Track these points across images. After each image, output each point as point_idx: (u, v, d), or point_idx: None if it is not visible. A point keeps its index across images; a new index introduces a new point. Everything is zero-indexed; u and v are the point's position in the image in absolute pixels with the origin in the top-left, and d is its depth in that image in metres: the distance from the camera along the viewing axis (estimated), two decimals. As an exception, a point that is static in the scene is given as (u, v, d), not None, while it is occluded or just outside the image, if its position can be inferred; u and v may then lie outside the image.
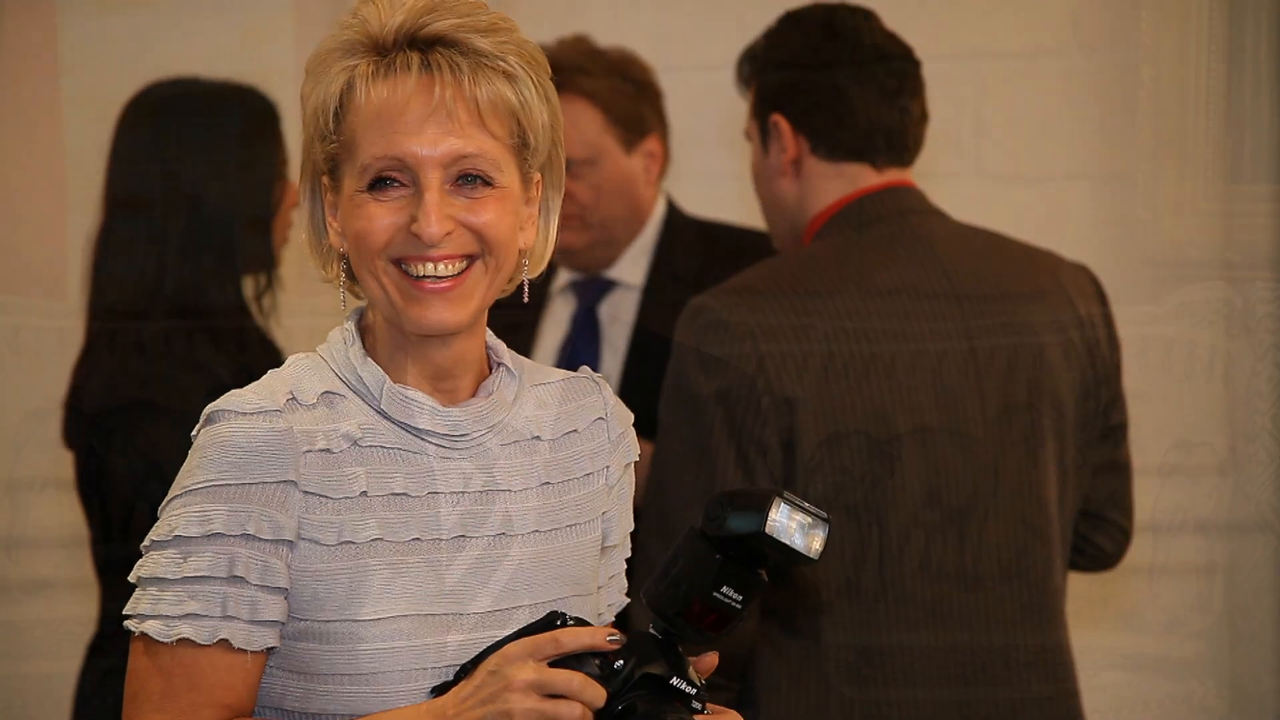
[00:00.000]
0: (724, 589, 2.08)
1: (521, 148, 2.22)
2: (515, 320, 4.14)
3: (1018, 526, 3.16)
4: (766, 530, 2.06)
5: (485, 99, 2.18)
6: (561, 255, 4.11)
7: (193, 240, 3.43)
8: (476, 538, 2.22)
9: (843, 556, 3.10)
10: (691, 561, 2.08)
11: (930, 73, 3.33)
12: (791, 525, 2.07)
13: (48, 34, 4.99)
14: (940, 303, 3.16)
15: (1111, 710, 5.08)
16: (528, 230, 2.25)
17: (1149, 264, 5.14)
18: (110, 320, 3.45)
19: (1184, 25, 4.60)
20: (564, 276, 4.18)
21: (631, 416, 2.39)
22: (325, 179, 2.23)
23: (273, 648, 2.17)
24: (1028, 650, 3.17)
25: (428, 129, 2.17)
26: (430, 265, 2.18)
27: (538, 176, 2.25)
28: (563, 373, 2.37)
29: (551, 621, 2.11)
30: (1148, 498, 4.79)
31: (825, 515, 2.09)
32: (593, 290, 4.14)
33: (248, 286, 3.49)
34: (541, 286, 4.15)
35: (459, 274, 2.19)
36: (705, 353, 3.10)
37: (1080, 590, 4.72)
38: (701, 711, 2.11)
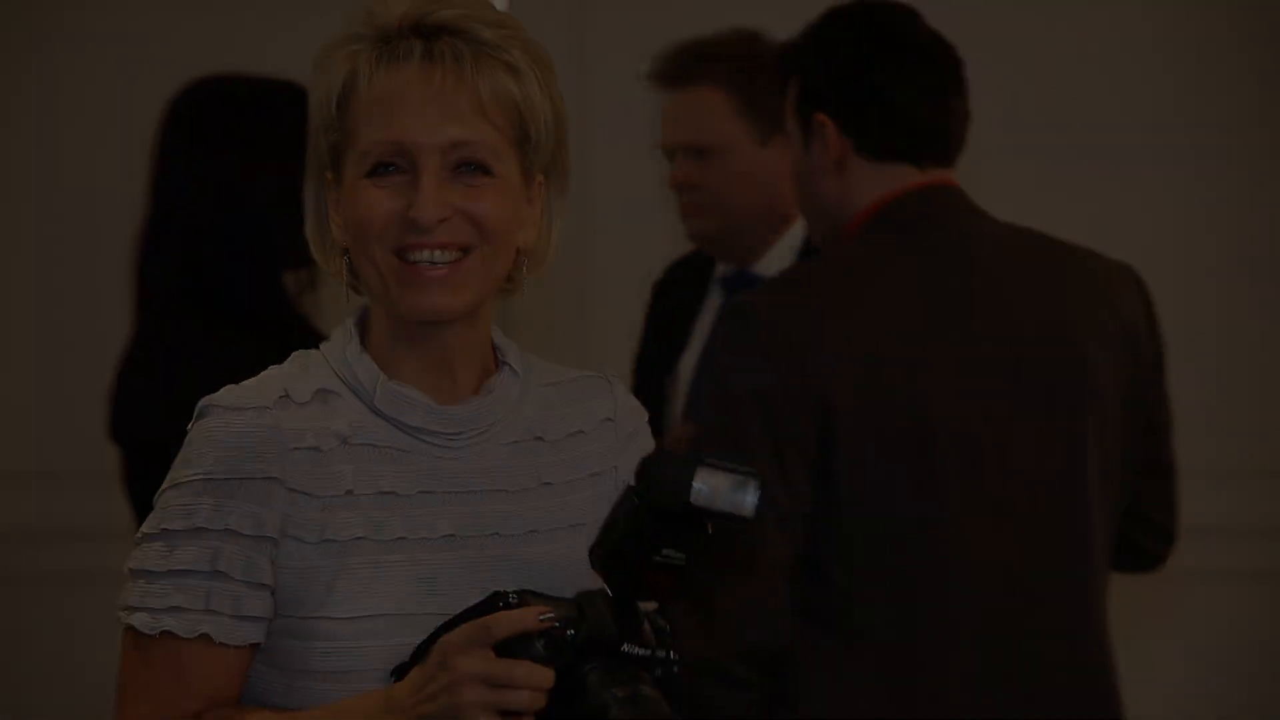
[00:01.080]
0: (665, 551, 2.01)
1: (522, 140, 2.18)
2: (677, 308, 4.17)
3: (1059, 528, 3.11)
4: (691, 500, 1.99)
5: (487, 88, 2.15)
6: (699, 241, 4.11)
7: (234, 237, 3.43)
8: (468, 537, 2.18)
9: (880, 557, 3.06)
10: (628, 527, 2.02)
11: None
12: (717, 491, 1.99)
13: (94, 30, 5.04)
14: (982, 301, 3.11)
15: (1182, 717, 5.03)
16: (529, 229, 2.22)
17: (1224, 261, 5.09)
18: (153, 315, 3.46)
19: None
20: (720, 269, 4.17)
21: (645, 415, 2.34)
22: (329, 174, 2.21)
23: (258, 643, 2.15)
24: (1068, 652, 3.12)
25: (428, 115, 2.14)
26: (427, 252, 2.15)
27: (540, 177, 2.22)
28: (576, 372, 2.33)
29: (494, 603, 2.06)
30: (1215, 501, 4.72)
31: (751, 470, 2.00)
32: (739, 284, 4.09)
33: (289, 283, 3.49)
34: (704, 275, 4.17)
35: (455, 261, 2.16)
36: (744, 352, 3.08)
37: (1141, 597, 4.67)
38: (665, 658, 2.05)
